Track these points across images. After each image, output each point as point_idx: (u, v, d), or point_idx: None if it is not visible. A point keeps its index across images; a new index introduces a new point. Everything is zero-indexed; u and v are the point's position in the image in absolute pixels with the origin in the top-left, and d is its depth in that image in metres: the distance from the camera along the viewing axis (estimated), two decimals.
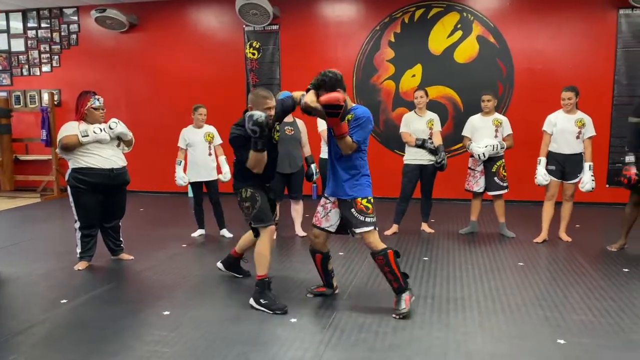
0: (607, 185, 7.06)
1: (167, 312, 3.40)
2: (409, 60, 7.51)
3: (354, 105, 3.39)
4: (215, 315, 3.35)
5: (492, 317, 3.31)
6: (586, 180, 4.94)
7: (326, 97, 3.11)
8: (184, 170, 5.39)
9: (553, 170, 5.05)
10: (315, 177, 5.24)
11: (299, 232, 5.49)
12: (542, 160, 5.07)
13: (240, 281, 4.03)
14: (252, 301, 3.45)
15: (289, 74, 7.90)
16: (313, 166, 5.23)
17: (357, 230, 3.33)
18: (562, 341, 2.94)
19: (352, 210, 3.31)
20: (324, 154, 5.46)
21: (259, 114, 3.12)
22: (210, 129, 5.45)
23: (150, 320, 3.31)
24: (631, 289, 3.80)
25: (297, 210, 5.48)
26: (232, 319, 3.28)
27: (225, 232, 5.51)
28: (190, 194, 6.59)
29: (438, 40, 7.40)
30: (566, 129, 4.97)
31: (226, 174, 5.43)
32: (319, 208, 3.53)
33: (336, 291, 3.73)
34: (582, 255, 4.68)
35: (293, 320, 3.26)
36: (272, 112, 3.33)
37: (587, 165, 4.96)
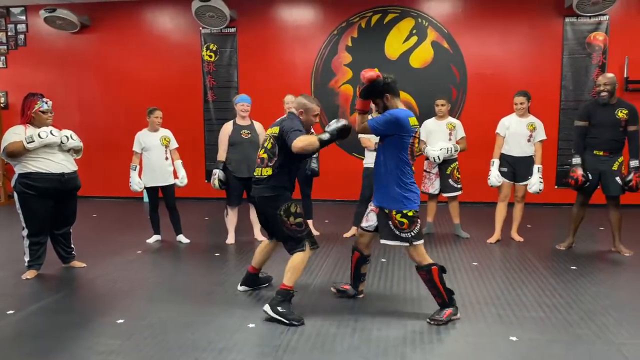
0: (556, 187, 7.34)
1: (120, 321, 3.31)
2: (366, 64, 7.42)
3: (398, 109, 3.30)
4: (171, 322, 3.28)
5: None
6: (534, 181, 5.10)
7: (366, 73, 3.33)
8: (139, 175, 5.26)
9: (505, 172, 5.21)
10: None
11: (258, 236, 5.45)
12: (496, 162, 5.22)
13: (196, 287, 3.96)
14: (267, 307, 3.27)
15: (246, 76, 7.85)
16: None
17: (382, 241, 3.36)
18: (514, 338, 3.02)
19: (390, 222, 3.29)
20: None
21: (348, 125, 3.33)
22: (166, 132, 5.35)
23: (103, 329, 3.22)
24: (578, 285, 3.96)
25: (256, 214, 5.42)
26: (189, 326, 3.22)
27: (181, 238, 5.41)
28: (146, 199, 6.45)
29: (394, 45, 7.52)
30: (518, 132, 5.13)
31: (183, 179, 5.34)
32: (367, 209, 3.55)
33: (360, 296, 3.69)
34: (533, 254, 4.84)
35: (251, 325, 3.23)
36: (318, 120, 3.57)
37: (536, 167, 5.13)
